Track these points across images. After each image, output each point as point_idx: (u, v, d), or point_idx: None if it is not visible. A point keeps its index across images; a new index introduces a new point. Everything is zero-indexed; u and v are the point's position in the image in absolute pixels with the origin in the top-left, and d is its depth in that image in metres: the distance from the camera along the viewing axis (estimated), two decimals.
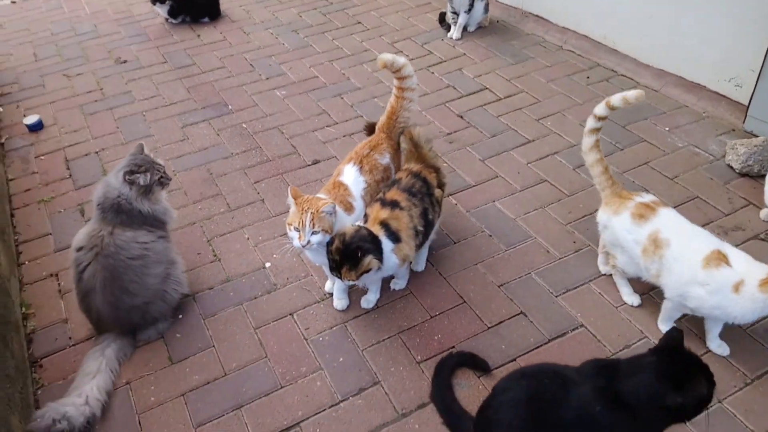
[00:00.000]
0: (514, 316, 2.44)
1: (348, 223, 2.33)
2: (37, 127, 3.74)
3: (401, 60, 2.45)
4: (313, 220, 2.12)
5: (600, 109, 2.39)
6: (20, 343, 2.34)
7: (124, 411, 2.16)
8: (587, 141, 2.46)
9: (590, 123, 2.43)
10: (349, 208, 2.39)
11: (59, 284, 2.68)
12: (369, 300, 2.49)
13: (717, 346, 2.23)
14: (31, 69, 4.48)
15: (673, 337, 1.59)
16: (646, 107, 3.60)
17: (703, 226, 2.66)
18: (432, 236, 2.53)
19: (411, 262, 2.51)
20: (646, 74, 3.85)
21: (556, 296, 2.51)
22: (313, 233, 2.13)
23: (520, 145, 3.39)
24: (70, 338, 2.44)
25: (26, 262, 2.80)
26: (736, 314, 2.02)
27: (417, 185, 2.37)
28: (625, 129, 3.43)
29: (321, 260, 2.30)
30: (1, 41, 4.95)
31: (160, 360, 2.33)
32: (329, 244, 2.15)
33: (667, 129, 3.42)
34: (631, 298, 2.44)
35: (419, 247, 2.39)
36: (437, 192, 2.43)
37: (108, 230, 2.26)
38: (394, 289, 2.54)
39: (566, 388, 1.63)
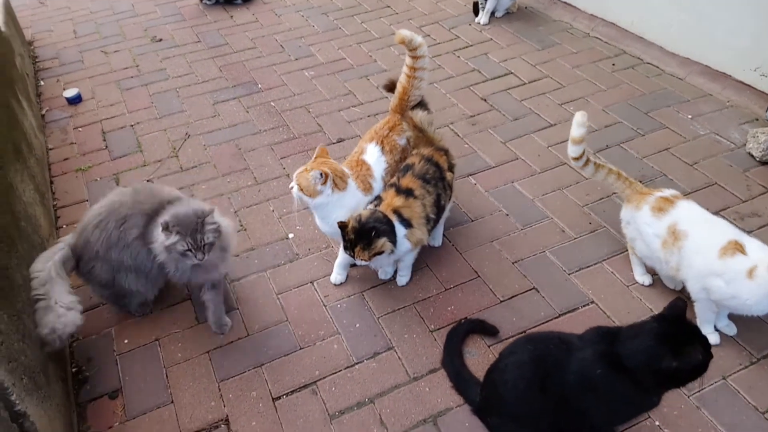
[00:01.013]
0: (526, 291, 2.51)
1: (364, 203, 2.42)
2: (75, 101, 3.91)
3: (419, 38, 2.49)
4: (300, 174, 2.29)
5: (575, 131, 2.42)
6: None
7: (153, 365, 2.30)
8: (588, 172, 2.51)
9: (576, 163, 2.49)
10: (368, 188, 2.46)
11: None
12: (402, 276, 2.56)
13: (725, 325, 2.28)
14: (71, 45, 4.65)
15: (677, 306, 1.65)
16: (670, 95, 3.62)
17: (719, 211, 2.73)
18: (446, 214, 2.61)
19: (423, 246, 2.52)
20: (672, 62, 3.86)
21: (569, 274, 2.58)
22: (296, 184, 2.30)
23: (541, 128, 3.44)
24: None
25: (64, 226, 2.96)
26: (750, 301, 2.02)
27: (430, 171, 2.41)
28: (647, 115, 3.45)
29: (327, 230, 2.44)
30: (43, 18, 5.14)
31: (187, 320, 2.47)
32: (345, 225, 2.22)
33: (689, 117, 3.44)
34: (642, 277, 2.50)
35: (432, 228, 2.47)
36: (448, 175, 2.49)
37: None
38: (401, 285, 2.56)
39: (569, 352, 1.71)
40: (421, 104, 2.66)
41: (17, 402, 1.63)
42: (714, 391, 2.11)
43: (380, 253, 2.20)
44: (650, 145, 3.24)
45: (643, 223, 2.33)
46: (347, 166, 2.47)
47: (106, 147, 3.52)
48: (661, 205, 2.29)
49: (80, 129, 3.69)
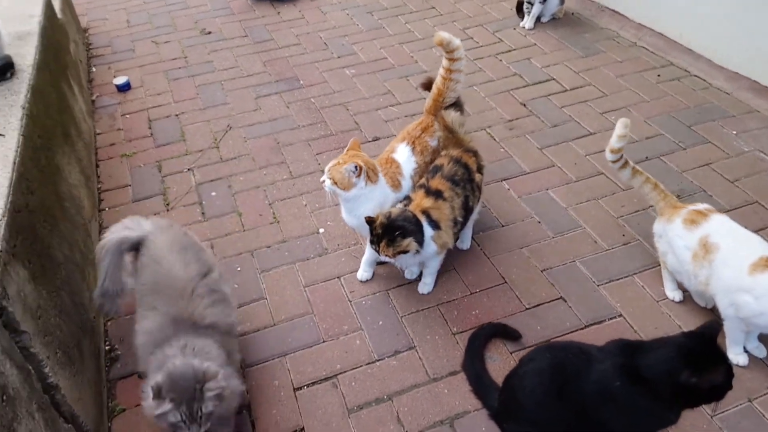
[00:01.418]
0: (553, 300, 2.50)
1: (391, 199, 2.45)
2: (124, 88, 4.04)
3: (457, 41, 2.50)
4: (332, 167, 2.31)
5: (615, 142, 2.43)
6: (96, 279, 2.58)
7: None
8: (624, 175, 2.50)
9: (613, 165, 2.50)
10: (396, 185, 2.49)
11: None
12: (425, 284, 2.55)
13: (755, 347, 2.23)
14: (123, 34, 4.81)
15: (711, 327, 1.62)
16: (715, 109, 3.53)
17: (758, 231, 2.65)
18: (475, 216, 2.61)
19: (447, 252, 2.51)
20: (719, 76, 3.76)
21: (598, 285, 2.55)
22: (328, 178, 2.32)
23: (580, 136, 3.40)
24: None
25: (106, 209, 3.08)
26: None
27: (459, 173, 2.42)
28: (690, 129, 3.38)
29: (353, 222, 2.47)
30: (98, 7, 5.33)
31: None
32: (373, 220, 2.23)
33: (734, 132, 3.35)
34: (673, 293, 2.46)
35: (459, 231, 2.48)
36: (477, 177, 2.50)
37: None
38: (422, 293, 2.55)
39: (589, 363, 1.70)
40: (456, 105, 2.67)
41: (50, 375, 1.70)
42: (738, 413, 2.06)
43: (405, 251, 2.22)
44: (691, 159, 3.17)
45: (675, 236, 2.29)
46: (377, 164, 2.50)
47: (151, 134, 3.63)
48: (694, 218, 2.25)
49: (127, 116, 3.81)
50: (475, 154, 2.56)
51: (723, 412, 2.07)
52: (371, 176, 2.36)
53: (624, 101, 3.66)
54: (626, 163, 2.46)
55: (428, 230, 2.29)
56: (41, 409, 1.60)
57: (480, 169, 2.55)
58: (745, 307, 2.05)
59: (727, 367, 1.56)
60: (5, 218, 1.70)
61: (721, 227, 2.20)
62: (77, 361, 1.98)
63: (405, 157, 2.55)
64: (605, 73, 3.95)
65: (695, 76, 3.85)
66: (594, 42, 4.32)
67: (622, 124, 2.38)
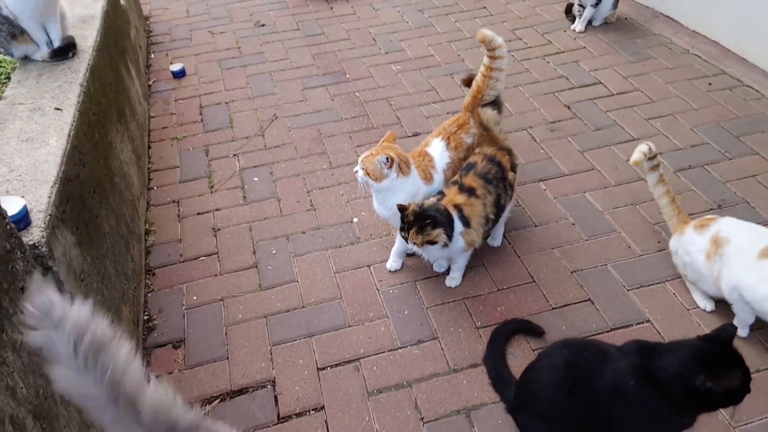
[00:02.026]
0: (580, 302, 2.49)
1: (423, 191, 2.49)
2: (180, 75, 4.21)
3: (499, 39, 2.51)
4: (365, 158, 2.36)
5: (636, 156, 2.52)
6: (140, 252, 2.73)
7: (215, 322, 2.49)
8: (651, 178, 2.57)
9: (648, 164, 2.55)
10: (428, 178, 2.53)
11: (179, 210, 3.07)
12: (453, 278, 2.59)
13: None
14: (182, 23, 5.00)
15: (726, 330, 1.61)
16: (765, 120, 3.43)
17: None
18: (506, 215, 2.63)
19: (475, 248, 2.53)
20: None
21: (628, 290, 2.53)
22: (361, 168, 2.38)
23: (623, 141, 3.36)
24: (180, 255, 2.81)
25: (155, 188, 3.23)
26: None
27: (492, 171, 2.44)
28: (737, 139, 3.30)
29: (384, 213, 2.53)
30: None
31: (251, 285, 2.64)
32: (406, 207, 2.28)
33: None
34: (704, 302, 2.42)
35: (490, 229, 2.52)
36: (510, 175, 2.51)
37: None
38: (449, 287, 2.58)
39: (605, 362, 1.71)
40: (494, 104, 2.69)
41: None
42: (762, 427, 2.02)
43: (433, 242, 2.25)
44: (736, 169, 3.09)
45: (688, 243, 2.38)
46: (410, 158, 2.55)
47: (202, 120, 3.77)
48: (704, 223, 2.38)
49: (181, 101, 3.97)
50: (509, 152, 2.57)
51: (746, 425, 2.03)
52: (403, 168, 2.40)
53: (671, 108, 3.60)
54: (658, 165, 2.52)
55: (458, 225, 2.32)
56: None
57: (513, 168, 2.56)
58: (750, 290, 2.12)
59: (744, 371, 1.54)
60: (57, 185, 1.83)
61: (731, 224, 2.31)
62: (116, 325, 2.10)
63: (439, 151, 2.59)
64: (654, 79, 3.88)
65: (748, 86, 3.74)
66: (645, 48, 4.24)
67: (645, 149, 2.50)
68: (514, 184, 2.57)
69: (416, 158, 2.54)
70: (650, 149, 2.48)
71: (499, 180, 2.46)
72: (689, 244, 2.36)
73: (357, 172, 2.41)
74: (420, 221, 2.23)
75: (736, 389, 1.52)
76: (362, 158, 2.40)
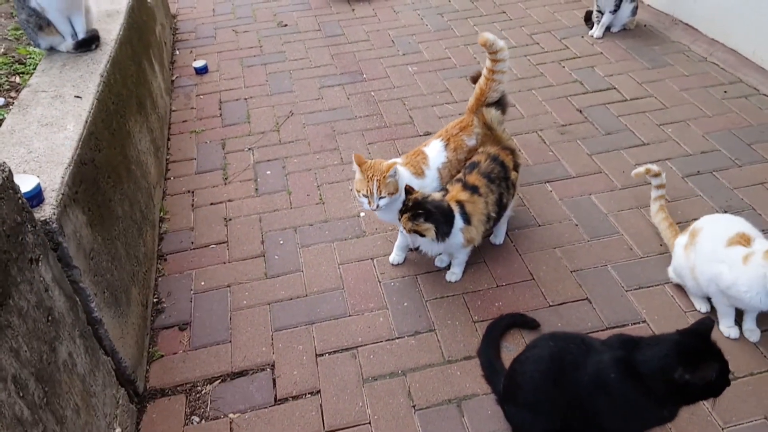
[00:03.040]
0: (578, 301, 2.52)
1: (413, 185, 2.46)
2: (202, 71, 4.34)
3: (501, 43, 2.55)
4: (379, 186, 2.37)
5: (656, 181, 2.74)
6: (153, 238, 2.83)
7: (220, 307, 2.58)
8: (653, 207, 2.78)
9: (654, 193, 2.77)
10: (419, 172, 2.58)
11: (193, 200, 3.18)
12: (453, 273, 2.64)
13: (749, 329, 2.33)
14: (208, 22, 5.14)
15: (704, 324, 1.64)
16: None
17: None
18: (509, 213, 2.68)
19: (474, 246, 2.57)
20: None
21: (626, 290, 2.55)
22: (380, 198, 2.39)
23: (633, 146, 3.38)
24: (192, 243, 2.91)
25: (171, 178, 3.34)
26: (745, 288, 2.10)
27: (495, 170, 2.49)
28: (749, 147, 3.28)
29: (388, 218, 2.56)
30: None
31: (257, 273, 2.72)
32: (411, 191, 2.34)
33: None
34: (699, 304, 2.43)
35: (491, 228, 2.56)
36: (513, 175, 2.55)
37: None
38: (449, 281, 2.63)
39: (588, 353, 1.74)
40: (499, 104, 2.73)
41: (95, 309, 1.92)
42: (752, 429, 2.03)
43: (421, 234, 2.30)
44: (745, 177, 3.08)
45: (677, 246, 2.48)
46: (404, 158, 2.63)
47: (220, 115, 3.89)
48: (689, 228, 2.48)
49: (202, 96, 4.09)
50: (512, 152, 2.61)
51: (735, 426, 2.04)
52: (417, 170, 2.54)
53: (684, 115, 3.59)
54: (663, 185, 2.74)
55: (459, 221, 2.37)
56: (83, 337, 1.82)
57: (516, 168, 2.60)
58: (720, 277, 2.19)
59: (722, 364, 1.56)
60: (71, 167, 1.93)
61: (708, 217, 2.43)
62: (123, 304, 2.20)
63: (436, 151, 2.66)
64: (669, 86, 3.88)
65: (764, 95, 3.71)
66: (663, 54, 4.24)
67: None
68: (517, 184, 2.61)
69: (410, 156, 2.62)
70: (658, 172, 2.67)
71: (502, 179, 2.50)
72: (677, 247, 2.46)
73: (376, 206, 2.41)
74: (415, 209, 2.28)
75: (714, 382, 1.55)
76: (372, 189, 2.37)
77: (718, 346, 1.61)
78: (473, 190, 2.44)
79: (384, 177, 2.37)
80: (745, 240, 2.18)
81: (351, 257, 2.78)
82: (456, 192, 2.44)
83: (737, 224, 2.28)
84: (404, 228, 2.33)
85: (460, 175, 2.53)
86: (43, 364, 1.54)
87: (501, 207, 2.52)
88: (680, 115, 3.60)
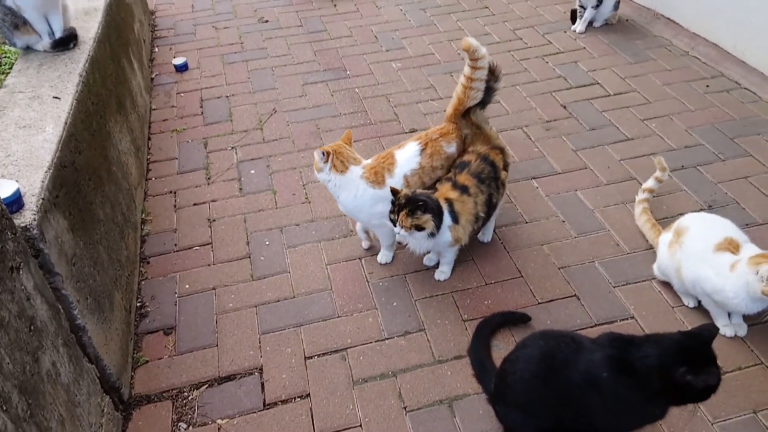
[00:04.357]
0: (566, 297, 2.53)
1: (369, 195, 2.44)
2: (182, 68, 4.27)
3: (483, 50, 2.46)
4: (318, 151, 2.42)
5: (649, 183, 2.82)
6: (135, 240, 2.78)
7: (206, 310, 2.54)
8: (638, 210, 2.82)
9: (640, 195, 2.83)
10: (378, 181, 2.45)
11: (175, 200, 3.12)
12: (442, 272, 2.63)
13: (737, 323, 2.34)
14: (187, 18, 5.06)
15: (707, 329, 1.64)
16: (762, 123, 3.44)
17: None
18: (497, 212, 2.67)
19: (461, 245, 2.54)
20: None
21: (614, 287, 2.56)
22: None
23: (617, 141, 3.39)
24: (175, 245, 2.86)
25: (153, 178, 3.28)
26: (732, 294, 2.12)
27: (486, 171, 2.47)
28: (732, 141, 3.31)
29: (341, 208, 2.58)
30: None
31: (243, 275, 2.68)
32: (397, 191, 2.30)
33: None
34: (687, 299, 2.45)
35: (480, 227, 2.56)
36: (503, 174, 2.54)
37: None
38: (438, 280, 2.62)
39: (579, 352, 1.74)
40: (480, 102, 2.69)
41: (79, 317, 1.87)
42: (741, 423, 2.05)
43: (421, 228, 2.27)
44: (729, 171, 3.11)
45: (661, 244, 2.49)
46: (374, 159, 2.53)
47: (202, 113, 3.82)
48: (672, 225, 2.50)
49: (182, 94, 4.03)
50: (502, 151, 2.60)
51: (725, 421, 2.06)
52: (337, 165, 2.42)
53: (667, 109, 3.62)
54: (648, 200, 2.82)
55: (447, 219, 2.35)
56: (66, 345, 1.77)
57: (506, 167, 2.59)
58: (707, 281, 2.21)
59: (719, 372, 1.57)
60: (51, 171, 1.88)
61: (693, 215, 2.48)
62: (107, 310, 2.15)
63: (408, 155, 2.51)
64: (652, 81, 3.90)
65: (745, 88, 3.75)
66: (645, 49, 4.26)
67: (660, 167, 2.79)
68: (506, 183, 2.60)
69: (378, 158, 2.51)
70: (664, 167, 2.75)
71: (492, 179, 2.49)
72: (661, 245, 2.48)
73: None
74: (411, 204, 2.24)
75: (711, 387, 1.55)
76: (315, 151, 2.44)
77: (715, 354, 1.61)
78: (463, 189, 2.42)
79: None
80: (733, 246, 2.19)
81: (339, 257, 2.75)
82: (445, 190, 2.42)
83: (725, 228, 2.29)
84: (404, 227, 2.29)
85: (450, 175, 2.52)
86: (26, 376, 1.49)
87: (490, 207, 2.51)
88: (663, 110, 3.62)
